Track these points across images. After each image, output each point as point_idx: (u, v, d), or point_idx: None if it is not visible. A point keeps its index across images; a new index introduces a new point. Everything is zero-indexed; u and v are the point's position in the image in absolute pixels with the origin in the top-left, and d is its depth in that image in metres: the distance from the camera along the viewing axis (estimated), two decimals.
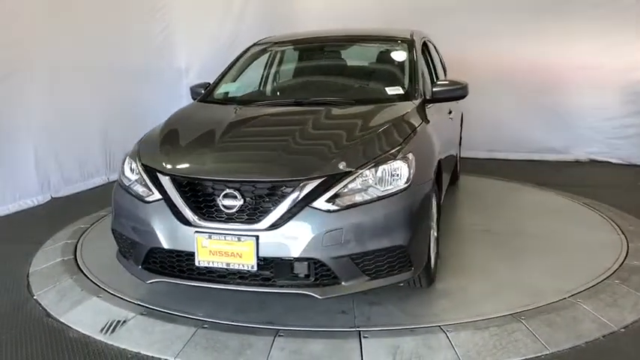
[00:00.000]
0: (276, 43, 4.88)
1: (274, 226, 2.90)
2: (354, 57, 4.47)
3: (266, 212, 2.93)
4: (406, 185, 3.03)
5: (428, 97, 3.92)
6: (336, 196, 2.92)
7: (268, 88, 4.68)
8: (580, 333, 3.06)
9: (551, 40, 6.73)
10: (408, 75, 4.05)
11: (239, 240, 2.92)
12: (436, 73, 4.81)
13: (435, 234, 3.59)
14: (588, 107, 6.98)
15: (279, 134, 3.53)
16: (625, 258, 3.94)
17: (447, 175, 4.40)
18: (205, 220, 2.99)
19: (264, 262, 2.93)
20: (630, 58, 6.64)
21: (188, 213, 3.01)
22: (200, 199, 3.04)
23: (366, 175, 2.99)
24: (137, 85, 5.72)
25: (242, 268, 2.95)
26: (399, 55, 4.35)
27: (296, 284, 2.98)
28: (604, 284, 3.56)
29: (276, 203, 2.93)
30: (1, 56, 5.02)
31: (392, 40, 4.57)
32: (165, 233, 3.05)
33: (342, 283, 2.96)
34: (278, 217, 2.91)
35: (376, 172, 3.01)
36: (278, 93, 4.62)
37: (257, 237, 2.90)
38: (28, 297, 3.64)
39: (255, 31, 5.85)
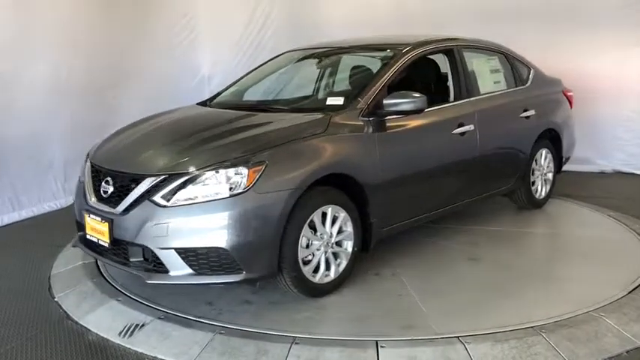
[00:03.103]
0: (296, 51, 4.97)
1: (124, 212, 3.29)
2: (346, 67, 4.43)
3: (121, 200, 3.32)
4: (242, 191, 3.16)
5: (379, 110, 3.82)
6: (173, 192, 3.19)
7: (246, 93, 4.73)
8: (603, 348, 3.00)
9: (575, 50, 6.65)
10: (363, 86, 3.99)
11: (102, 220, 3.40)
12: (463, 87, 4.58)
13: (334, 247, 3.61)
14: (613, 118, 6.87)
15: (176, 133, 3.84)
16: None
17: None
18: (93, 200, 3.52)
19: (116, 243, 3.35)
20: None
21: (87, 193, 3.60)
22: (97, 183, 3.56)
23: (206, 177, 3.20)
24: (160, 90, 5.76)
25: (105, 245, 3.40)
26: (375, 65, 4.32)
27: (135, 265, 3.33)
28: (628, 298, 3.50)
29: (128, 193, 3.30)
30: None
31: (383, 50, 4.53)
32: (78, 208, 3.71)
33: (170, 272, 3.23)
34: (127, 205, 3.29)
35: (215, 175, 3.20)
36: (245, 98, 4.64)
37: (112, 220, 3.34)
38: (49, 299, 3.72)
39: (279, 40, 5.89)
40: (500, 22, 6.16)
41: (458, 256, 4.24)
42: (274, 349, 3.00)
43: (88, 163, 3.78)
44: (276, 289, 3.56)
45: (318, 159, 3.48)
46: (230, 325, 3.23)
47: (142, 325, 3.27)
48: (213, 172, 3.22)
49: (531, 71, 5.33)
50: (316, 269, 3.55)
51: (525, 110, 4.98)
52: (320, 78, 4.83)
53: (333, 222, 3.59)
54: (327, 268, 3.61)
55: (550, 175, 5.46)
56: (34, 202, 5.49)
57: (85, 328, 3.34)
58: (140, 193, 3.28)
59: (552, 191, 5.54)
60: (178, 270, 3.23)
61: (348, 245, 3.70)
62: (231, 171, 3.22)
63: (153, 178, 3.29)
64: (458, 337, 3.06)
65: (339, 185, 3.61)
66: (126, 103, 5.14)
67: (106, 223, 3.38)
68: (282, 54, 4.97)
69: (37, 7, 5.18)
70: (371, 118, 3.80)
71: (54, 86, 5.40)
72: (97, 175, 3.63)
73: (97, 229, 3.46)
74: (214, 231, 3.17)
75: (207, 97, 4.66)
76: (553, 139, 5.43)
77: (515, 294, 3.62)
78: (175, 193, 3.21)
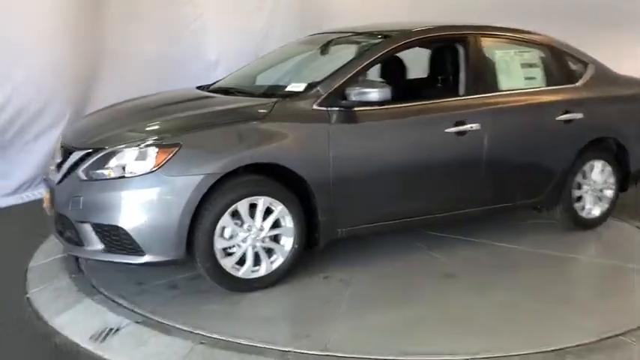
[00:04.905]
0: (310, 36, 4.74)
1: (58, 183, 3.36)
2: (346, 54, 4.03)
3: (60, 171, 3.37)
4: (147, 172, 3.09)
5: (343, 100, 3.51)
6: (92, 167, 3.21)
7: (255, 78, 4.50)
8: None
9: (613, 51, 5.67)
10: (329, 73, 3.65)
11: (48, 190, 3.52)
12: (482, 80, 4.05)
13: (266, 242, 3.38)
14: None
15: (129, 113, 3.81)
16: None
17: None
18: (51, 172, 3.55)
19: (57, 213, 3.37)
20: None
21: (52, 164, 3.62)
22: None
23: (117, 155, 3.17)
24: (164, 75, 5.75)
25: (52, 214, 3.44)
26: (354, 52, 3.96)
27: (66, 237, 3.37)
28: None
29: (64, 165, 3.36)
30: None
31: (376, 36, 4.10)
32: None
33: (84, 246, 3.24)
34: (61, 176, 3.35)
35: (125, 153, 3.17)
36: (237, 83, 4.34)
37: (52, 189, 3.42)
38: (22, 295, 3.49)
39: (288, 27, 5.62)
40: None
41: (434, 269, 3.76)
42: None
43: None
44: None
45: (245, 145, 3.29)
46: (214, 334, 2.93)
47: (117, 330, 3.00)
48: (124, 150, 3.20)
49: (588, 69, 4.54)
50: (243, 263, 3.36)
51: (566, 112, 4.26)
52: (315, 64, 4.54)
53: (268, 215, 3.36)
54: (257, 263, 3.39)
55: (609, 192, 4.62)
56: (23, 189, 5.29)
57: (54, 329, 3.08)
58: (69, 166, 3.34)
59: (611, 211, 4.67)
60: (92, 245, 3.25)
61: (287, 242, 3.45)
62: (138, 150, 3.17)
63: (80, 152, 3.34)
64: (474, 358, 2.74)
65: (279, 177, 3.38)
66: (132, 88, 5.17)
67: (48, 193, 3.52)
68: (309, 36, 4.75)
69: None
70: (330, 108, 3.50)
71: (54, 74, 5.32)
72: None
73: (46, 199, 3.59)
74: (116, 210, 3.14)
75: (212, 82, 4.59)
76: (613, 150, 4.59)
77: (477, 319, 3.14)
78: (93, 168, 3.24)
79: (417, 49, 4.31)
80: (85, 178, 3.24)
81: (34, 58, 5.17)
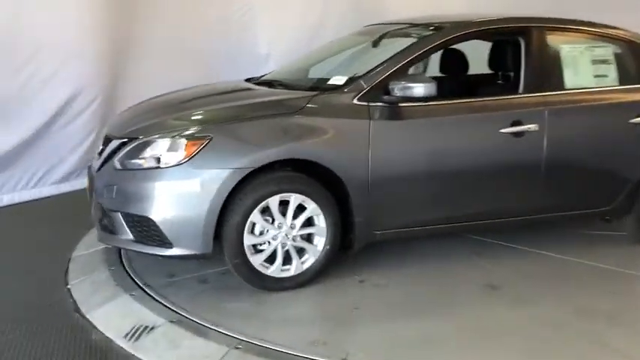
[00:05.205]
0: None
1: (97, 170, 3.38)
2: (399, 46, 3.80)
3: (100, 159, 3.41)
4: (176, 164, 3.04)
5: (386, 96, 3.30)
6: (126, 157, 3.19)
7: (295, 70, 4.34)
8: None
9: None
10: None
11: (89, 177, 3.55)
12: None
13: (297, 241, 3.26)
14: None
15: (171, 103, 3.74)
16: None
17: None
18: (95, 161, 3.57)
19: (95, 201, 3.38)
20: None
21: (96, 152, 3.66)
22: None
23: (149, 145, 3.14)
24: (213, 69, 5.68)
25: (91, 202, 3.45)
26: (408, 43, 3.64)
27: (102, 225, 3.35)
28: None
29: (103, 153, 3.38)
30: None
31: (427, 27, 3.85)
32: None
33: (117, 235, 3.22)
34: (99, 164, 3.37)
35: (157, 144, 3.13)
36: (285, 76, 4.19)
37: (92, 177, 3.44)
38: (63, 285, 3.52)
39: (343, 18, 5.39)
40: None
41: (477, 278, 3.49)
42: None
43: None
44: None
45: (277, 140, 3.17)
46: (251, 338, 2.81)
47: (152, 328, 2.93)
48: (157, 141, 3.16)
49: None
50: (273, 261, 3.26)
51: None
52: (367, 57, 4.32)
53: (301, 213, 3.24)
54: (288, 262, 3.28)
55: None
56: (72, 177, 5.32)
57: (91, 324, 3.08)
58: (107, 154, 3.36)
59: None
60: (122, 234, 3.23)
61: (320, 242, 3.31)
62: (168, 142, 3.12)
63: (117, 141, 3.34)
64: None
65: (314, 174, 3.25)
66: (183, 80, 5.12)
67: (89, 181, 3.55)
68: (365, 27, 4.56)
69: None
70: (372, 103, 3.31)
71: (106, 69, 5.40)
72: None
73: (88, 187, 3.61)
74: (146, 200, 3.10)
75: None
76: None
77: (513, 337, 2.87)
78: (128, 157, 3.21)
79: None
80: (120, 168, 3.23)
81: (86, 55, 5.23)
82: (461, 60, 4.38)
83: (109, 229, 3.33)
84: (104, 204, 3.29)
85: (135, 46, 5.58)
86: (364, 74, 3.43)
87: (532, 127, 3.57)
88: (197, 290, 3.33)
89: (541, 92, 3.67)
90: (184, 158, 3.05)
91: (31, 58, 4.98)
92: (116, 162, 3.25)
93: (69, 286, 3.49)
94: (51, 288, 3.52)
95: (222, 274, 3.44)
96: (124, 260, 3.70)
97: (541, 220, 3.86)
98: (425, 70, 4.91)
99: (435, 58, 4.33)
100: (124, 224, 3.20)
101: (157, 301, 3.20)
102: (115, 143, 3.35)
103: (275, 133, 3.18)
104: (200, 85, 4.18)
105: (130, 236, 3.21)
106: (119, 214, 3.20)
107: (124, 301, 3.25)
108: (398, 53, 3.50)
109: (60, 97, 5.20)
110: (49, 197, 5.26)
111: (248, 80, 4.19)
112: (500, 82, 4.09)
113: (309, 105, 3.27)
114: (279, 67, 4.54)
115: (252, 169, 3.08)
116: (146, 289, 3.32)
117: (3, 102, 4.89)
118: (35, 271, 3.74)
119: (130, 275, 3.51)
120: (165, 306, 3.14)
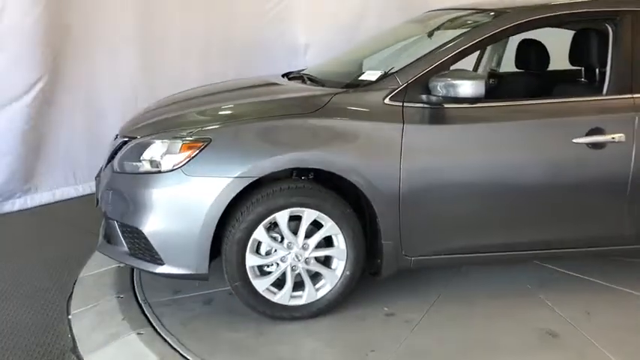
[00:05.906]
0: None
1: (102, 171, 3.06)
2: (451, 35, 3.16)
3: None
4: (168, 169, 2.65)
5: (425, 95, 2.75)
6: (125, 158, 2.84)
7: (342, 63, 3.83)
8: None
9: None
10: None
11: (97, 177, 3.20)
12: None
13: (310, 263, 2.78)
14: None
15: (188, 101, 3.35)
16: None
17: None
18: None
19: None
20: None
21: None
22: None
23: (145, 147, 2.76)
24: (247, 61, 5.24)
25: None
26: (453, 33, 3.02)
27: (105, 232, 3.01)
28: None
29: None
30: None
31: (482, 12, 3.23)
32: None
33: (114, 246, 2.89)
34: (104, 165, 3.04)
35: (152, 146, 2.75)
36: (324, 70, 3.69)
37: (98, 177, 3.14)
38: (64, 315, 3.05)
39: (386, 5, 4.73)
40: None
41: (535, 320, 2.83)
42: None
43: None
44: None
45: (287, 145, 2.70)
46: None
47: None
48: (154, 142, 2.77)
49: None
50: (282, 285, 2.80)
51: None
52: (420, 48, 3.73)
53: (316, 231, 2.76)
54: (300, 287, 2.80)
55: None
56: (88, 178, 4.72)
57: None
58: (110, 154, 3.04)
59: None
60: (118, 245, 2.90)
61: (339, 266, 2.80)
62: (165, 143, 2.73)
63: (120, 140, 3.02)
64: None
65: (332, 187, 2.75)
66: (219, 74, 4.68)
67: (95, 180, 3.25)
68: (426, 13, 3.97)
69: None
70: (407, 103, 2.76)
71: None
72: None
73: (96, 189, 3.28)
74: (138, 209, 2.73)
75: (302, 67, 4.04)
76: None
77: None
78: (125, 159, 2.87)
79: None
80: (118, 170, 2.89)
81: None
82: (540, 53, 3.68)
83: (108, 239, 3.01)
84: (104, 210, 2.97)
85: (171, 43, 5.27)
86: (400, 69, 2.86)
87: (617, 136, 2.85)
88: (195, 312, 2.93)
89: (632, 94, 2.93)
90: (179, 163, 2.65)
91: None
92: (115, 163, 2.93)
93: (70, 317, 3.03)
94: (50, 317, 3.03)
95: (230, 293, 3.00)
96: (135, 285, 3.23)
97: (622, 253, 3.12)
98: (499, 65, 4.26)
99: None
100: (120, 235, 2.86)
101: (167, 343, 2.69)
102: (116, 142, 3.02)
103: (284, 137, 2.72)
104: (230, 79, 3.78)
105: (125, 248, 2.87)
106: (116, 222, 2.87)
107: (129, 341, 2.73)
108: (443, 45, 2.90)
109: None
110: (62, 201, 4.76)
111: (286, 75, 3.72)
112: (582, 80, 3.36)
113: (330, 105, 2.76)
114: (328, 59, 4.03)
115: (254, 179, 2.63)
116: (157, 328, 2.81)
117: None
118: (36, 296, 3.23)
119: (141, 306, 3.02)
120: (178, 352, 2.62)
